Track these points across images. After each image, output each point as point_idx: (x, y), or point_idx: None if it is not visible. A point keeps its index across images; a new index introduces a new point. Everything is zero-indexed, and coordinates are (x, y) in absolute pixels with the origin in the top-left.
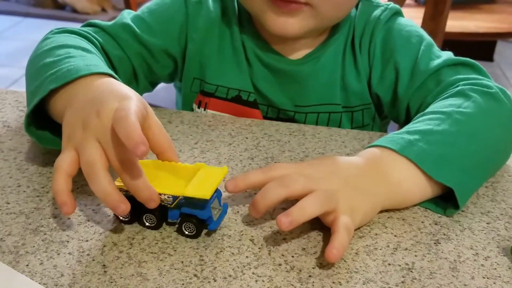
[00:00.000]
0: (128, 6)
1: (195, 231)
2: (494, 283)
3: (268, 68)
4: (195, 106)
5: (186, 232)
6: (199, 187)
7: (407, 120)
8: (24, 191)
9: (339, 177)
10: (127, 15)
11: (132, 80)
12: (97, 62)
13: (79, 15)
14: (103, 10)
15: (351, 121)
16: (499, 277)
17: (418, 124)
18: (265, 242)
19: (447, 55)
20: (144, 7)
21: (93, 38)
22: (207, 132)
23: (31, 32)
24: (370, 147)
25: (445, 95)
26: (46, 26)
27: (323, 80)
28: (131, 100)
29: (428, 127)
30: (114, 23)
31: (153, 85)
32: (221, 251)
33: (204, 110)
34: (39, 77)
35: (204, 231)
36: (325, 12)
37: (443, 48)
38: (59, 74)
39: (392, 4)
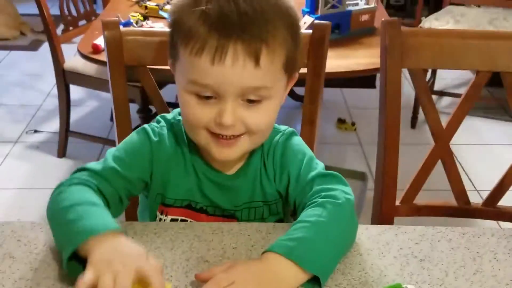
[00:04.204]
0: (47, 28)
1: None
2: None
3: (213, 182)
4: (158, 213)
5: None
6: None
7: (294, 210)
8: None
9: (253, 283)
10: (109, 157)
11: (118, 204)
12: (107, 219)
13: None
14: (22, 34)
15: (269, 211)
16: None
17: (296, 231)
18: None
19: (321, 167)
20: (120, 146)
21: (93, 186)
22: (154, 240)
23: None
24: (267, 251)
25: (312, 204)
26: None
27: (249, 187)
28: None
29: (301, 234)
30: (103, 167)
31: (130, 199)
32: None
33: (166, 216)
34: (64, 234)
35: None
36: (259, 136)
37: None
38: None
39: (288, 129)
